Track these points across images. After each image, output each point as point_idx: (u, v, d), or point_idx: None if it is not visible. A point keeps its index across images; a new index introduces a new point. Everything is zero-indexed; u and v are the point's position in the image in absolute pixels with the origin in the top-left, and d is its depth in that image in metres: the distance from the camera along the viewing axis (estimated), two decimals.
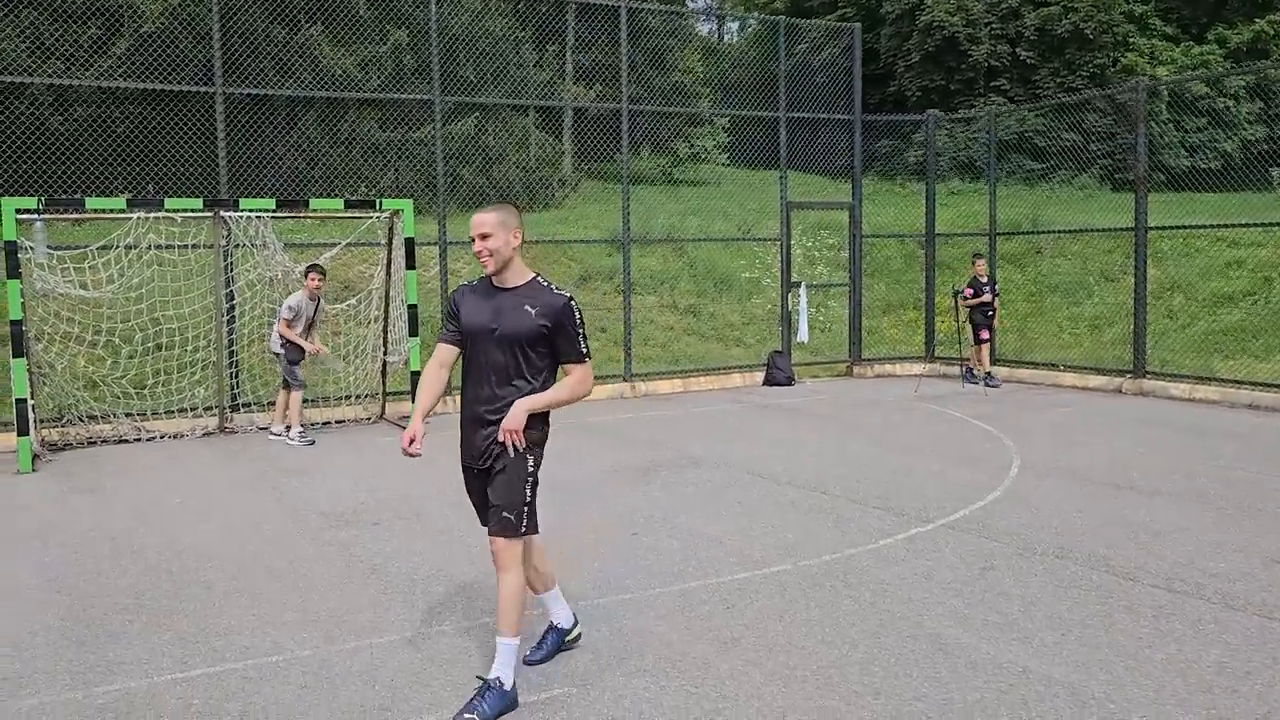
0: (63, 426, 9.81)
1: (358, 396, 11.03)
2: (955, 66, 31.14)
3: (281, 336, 9.68)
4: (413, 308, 10.00)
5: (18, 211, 8.72)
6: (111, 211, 9.21)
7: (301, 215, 10.33)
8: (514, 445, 4.07)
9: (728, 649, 4.65)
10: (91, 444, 9.78)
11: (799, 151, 15.57)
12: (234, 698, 4.19)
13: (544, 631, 4.61)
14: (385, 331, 10.88)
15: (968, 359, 13.28)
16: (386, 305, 10.82)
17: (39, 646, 4.77)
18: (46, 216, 9.17)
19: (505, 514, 4.05)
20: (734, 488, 7.66)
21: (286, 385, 9.83)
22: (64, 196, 9.20)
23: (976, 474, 8.00)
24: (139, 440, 9.90)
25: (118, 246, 9.62)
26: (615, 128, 18.21)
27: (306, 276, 9.74)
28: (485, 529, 4.18)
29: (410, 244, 10.03)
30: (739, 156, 26.89)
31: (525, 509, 4.09)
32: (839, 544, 6.21)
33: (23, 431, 8.61)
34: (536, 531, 4.23)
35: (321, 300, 9.99)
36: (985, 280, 13.02)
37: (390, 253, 10.70)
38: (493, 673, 4.02)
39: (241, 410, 10.59)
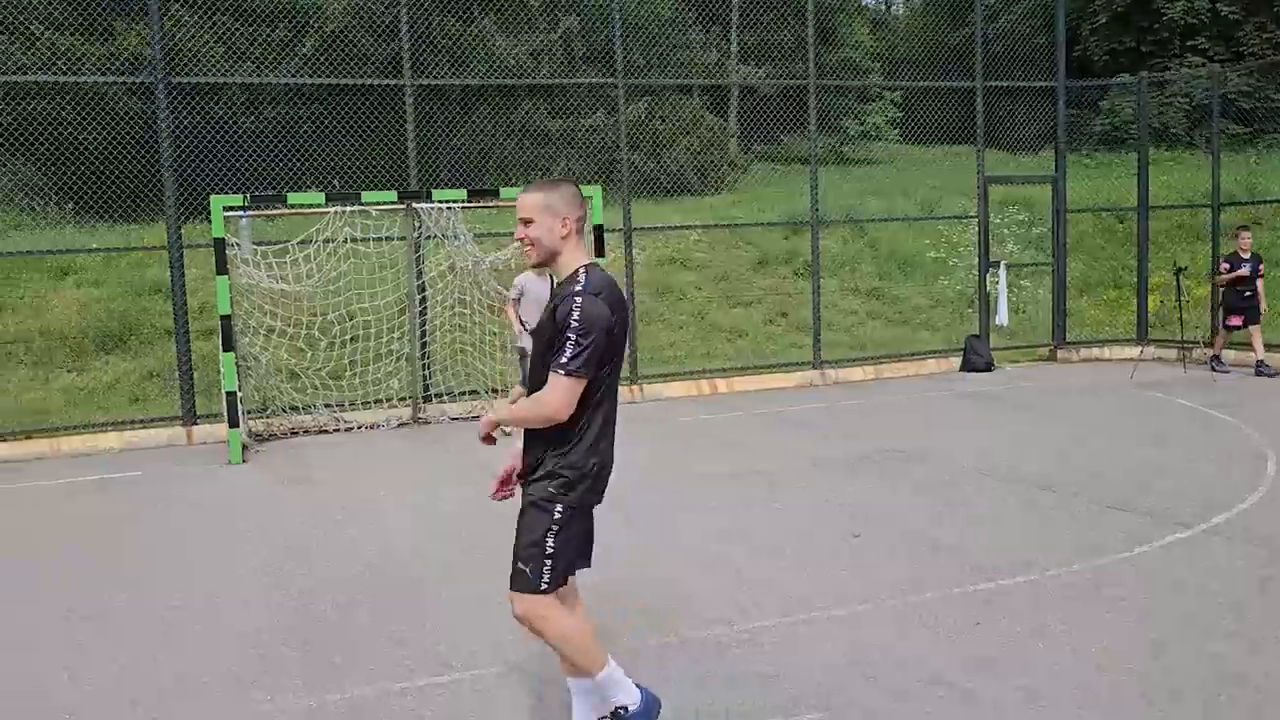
0: (267, 417, 10.06)
1: None
2: (1147, 27, 29.08)
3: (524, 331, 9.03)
4: None
5: (225, 209, 8.93)
6: (311, 206, 9.34)
7: (491, 205, 10.27)
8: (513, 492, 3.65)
9: (982, 670, 4.20)
10: (294, 434, 9.99)
11: (985, 124, 14.67)
12: (468, 713, 4.01)
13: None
14: None
15: (1207, 343, 12.17)
16: None
17: (266, 646, 4.73)
18: (252, 213, 9.38)
19: (519, 564, 3.44)
20: (953, 485, 7.13)
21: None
22: (265, 194, 9.37)
23: (1228, 472, 7.21)
24: (337, 430, 10.06)
25: (316, 241, 9.77)
26: (783, 107, 17.71)
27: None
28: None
29: (599, 231, 9.83)
30: (911, 133, 25.90)
31: (546, 563, 3.41)
32: (1086, 551, 5.63)
33: (233, 424, 8.83)
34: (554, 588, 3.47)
35: (554, 278, 9.53)
36: (1247, 256, 11.80)
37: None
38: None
39: (434, 400, 10.65)
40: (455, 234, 10.18)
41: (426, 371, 10.69)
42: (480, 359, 10.75)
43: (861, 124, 28.69)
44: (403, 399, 10.55)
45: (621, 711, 3.49)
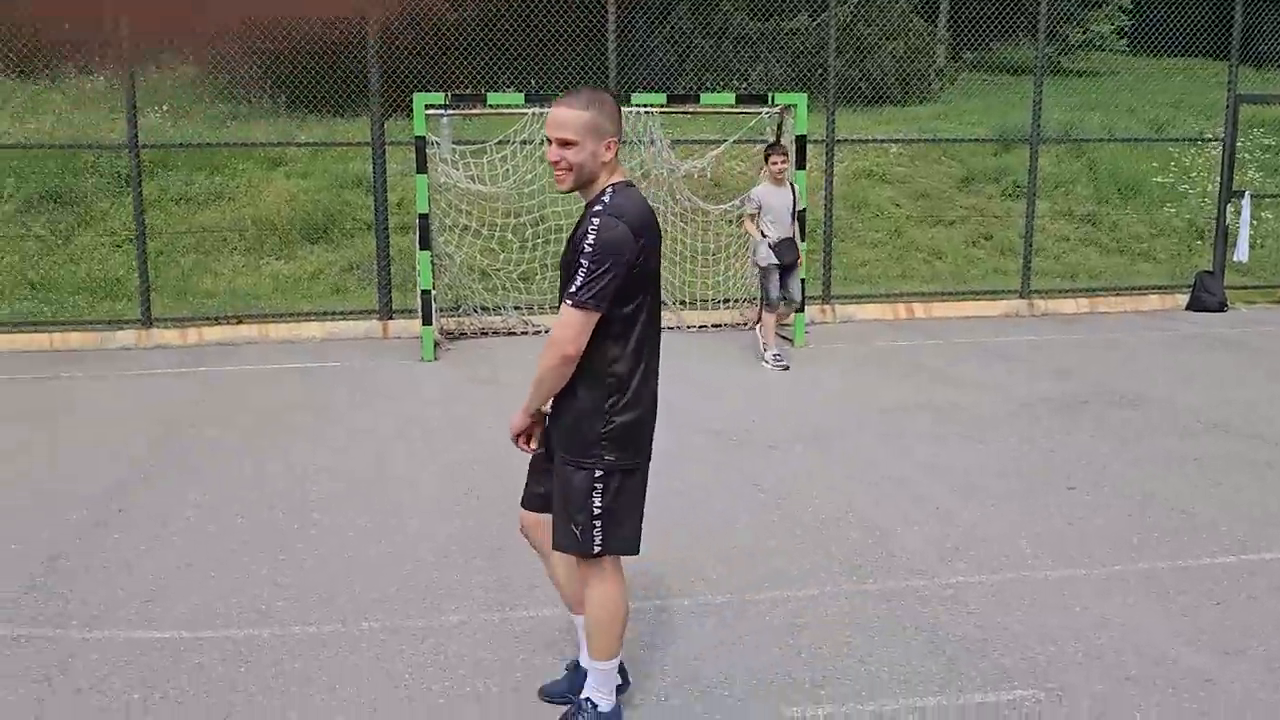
0: (459, 316, 10.17)
1: (734, 300, 10.64)
2: None
3: (761, 249, 8.58)
4: (801, 213, 9.36)
5: (426, 107, 8.90)
6: (510, 107, 9.22)
7: (690, 110, 9.90)
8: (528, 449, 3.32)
9: (1225, 655, 3.74)
10: (483, 334, 10.08)
11: (1226, 36, 13.10)
12: (657, 641, 3.85)
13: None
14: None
15: None
16: None
17: (454, 555, 4.72)
18: (453, 112, 9.34)
19: (570, 525, 3.09)
20: (1182, 437, 6.49)
21: (766, 302, 8.78)
22: (466, 93, 9.30)
23: None
24: (525, 333, 10.09)
25: (513, 142, 9.67)
26: (1000, 11, 16.40)
27: (767, 160, 8.64)
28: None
29: (802, 142, 9.34)
30: (1141, 43, 23.71)
31: (595, 524, 3.06)
32: None
33: (426, 321, 8.94)
34: (622, 552, 3.16)
35: (796, 187, 8.71)
36: None
37: None
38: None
39: None
40: (651, 139, 9.88)
41: None
42: (668, 268, 10.52)
43: (1085, 32, 26.50)
44: None
45: (585, 703, 3.22)
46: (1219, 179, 12.25)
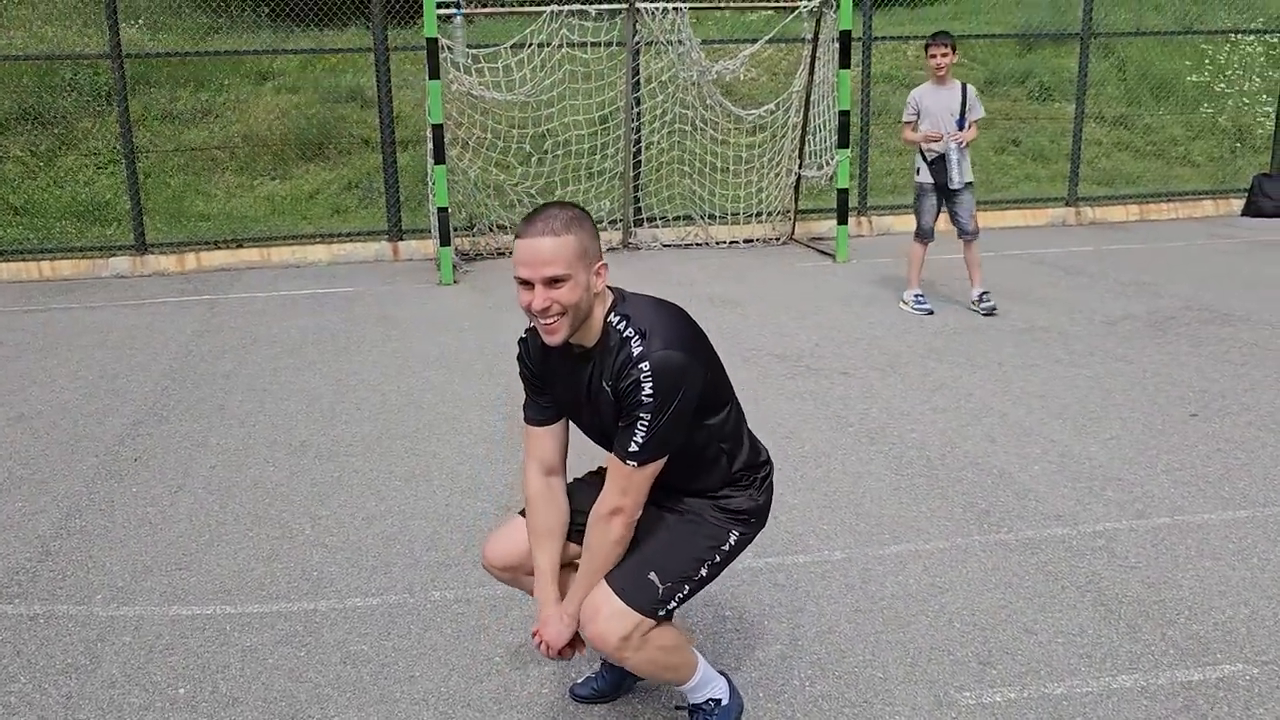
0: (474, 235, 9.50)
1: (768, 214, 9.97)
2: None
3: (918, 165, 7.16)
4: (844, 114, 8.66)
5: (437, 5, 8.10)
6: (526, 4, 8.42)
7: (723, 6, 9.11)
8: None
9: None
10: (500, 255, 9.43)
11: None
12: (777, 610, 3.31)
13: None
14: (803, 142, 9.64)
15: None
16: (806, 111, 9.53)
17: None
18: (466, 11, 8.54)
19: (648, 573, 2.44)
20: None
21: (917, 231, 7.33)
22: None
23: None
24: None
25: (531, 44, 8.89)
26: None
27: (927, 53, 7.00)
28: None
29: (846, 39, 8.58)
30: None
31: (685, 588, 2.48)
32: None
33: (445, 241, 8.27)
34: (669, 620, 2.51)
35: (970, 89, 6.98)
36: None
37: (815, 50, 9.32)
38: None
39: (645, 225, 9.86)
40: (680, 39, 9.11)
41: (638, 193, 9.85)
42: (699, 182, 9.84)
43: None
44: (613, 221, 9.79)
45: (711, 704, 2.67)
46: (1262, 76, 11.54)
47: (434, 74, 8.00)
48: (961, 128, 6.84)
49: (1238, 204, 11.14)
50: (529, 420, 2.60)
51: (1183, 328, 6.57)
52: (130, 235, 9.28)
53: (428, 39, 8.05)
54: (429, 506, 4.16)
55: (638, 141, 9.63)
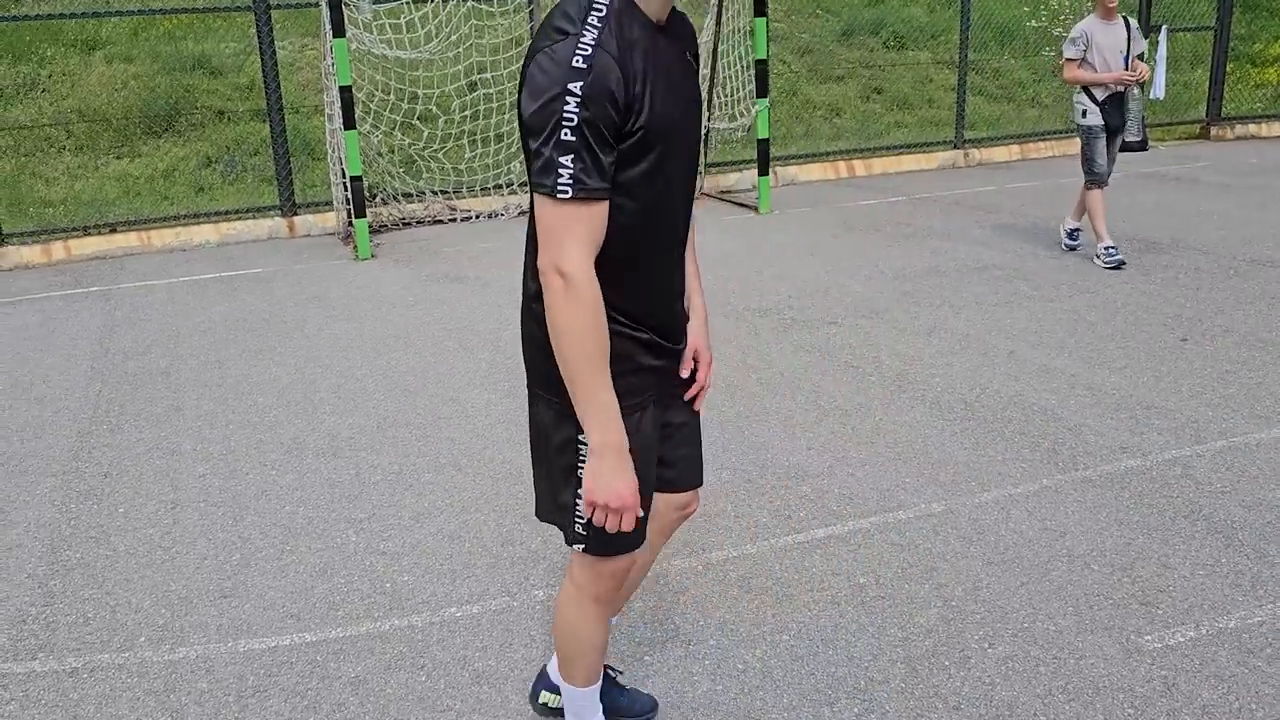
0: (376, 205, 8.89)
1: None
2: None
3: (1085, 105, 6.53)
4: (761, 63, 8.50)
5: None
6: None
7: None
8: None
9: None
10: (406, 225, 8.87)
11: None
12: (910, 571, 3.14)
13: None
14: (711, 93, 9.44)
15: None
16: (714, 62, 9.33)
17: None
18: None
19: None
20: (1238, 276, 6.19)
21: (1090, 177, 6.64)
22: None
23: None
24: (453, 220, 8.94)
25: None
26: None
27: None
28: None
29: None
30: None
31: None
32: None
33: (360, 213, 7.68)
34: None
35: (1132, 22, 6.45)
36: None
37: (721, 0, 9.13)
38: None
39: None
40: None
41: None
42: None
43: None
44: (523, 184, 9.35)
45: None
46: (1136, 14, 12.09)
47: (339, 31, 7.35)
48: (1127, 66, 6.37)
49: None
50: (594, 191, 1.69)
51: (1126, 258, 6.76)
52: None
53: None
54: (476, 496, 3.79)
55: None
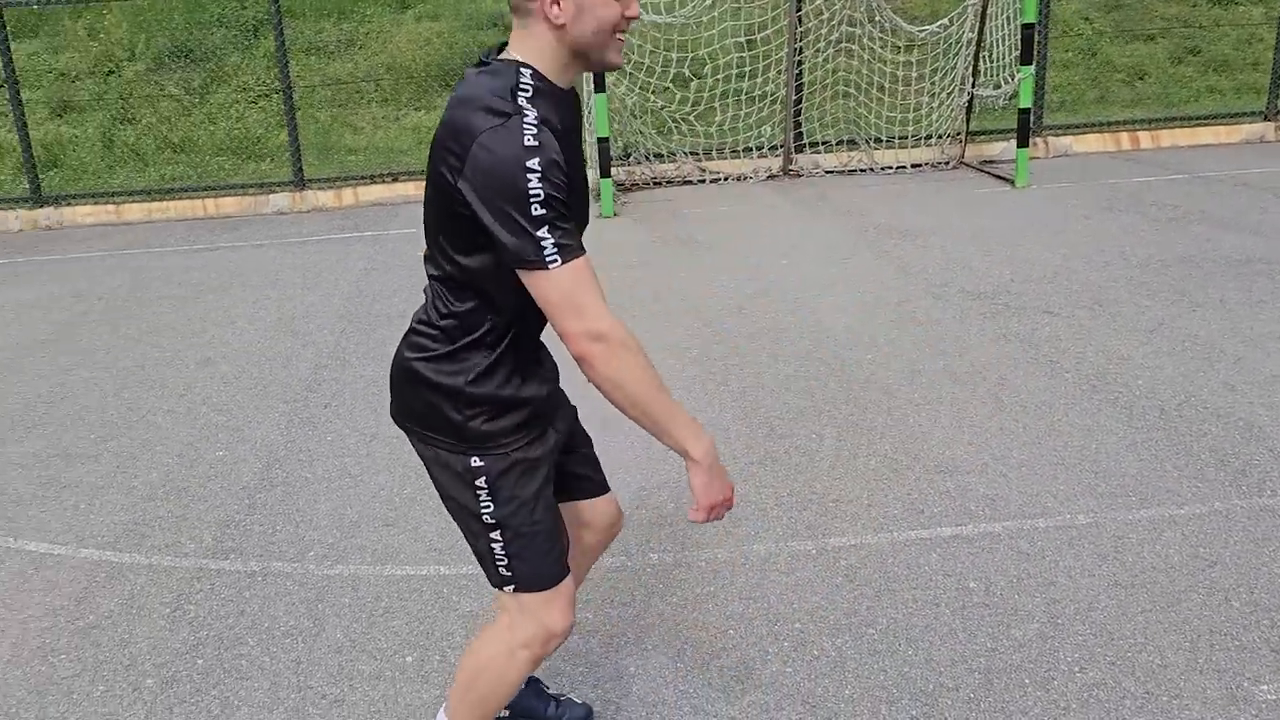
0: (629, 165, 9.25)
1: (937, 136, 9.43)
2: None
3: None
4: (1028, 28, 8.03)
5: None
6: None
7: None
8: None
9: None
10: (656, 184, 9.17)
11: None
12: (1058, 590, 3.04)
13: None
14: (977, 59, 9.03)
15: None
16: (982, 26, 8.90)
17: (738, 460, 3.94)
18: None
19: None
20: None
21: None
22: None
23: None
24: (702, 181, 9.13)
25: None
26: None
27: None
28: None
29: None
30: None
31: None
32: None
33: (605, 173, 8.06)
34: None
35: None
36: None
37: None
38: None
39: (807, 150, 9.44)
40: None
41: (799, 117, 9.42)
42: (863, 104, 9.35)
43: None
44: (773, 148, 9.40)
45: None
46: None
47: None
48: None
49: None
50: (576, 250, 1.75)
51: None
52: (289, 171, 9.34)
53: None
54: (625, 459, 4.00)
55: (799, 63, 9.17)
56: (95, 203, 9.08)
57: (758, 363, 4.91)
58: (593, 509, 2.31)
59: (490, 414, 1.93)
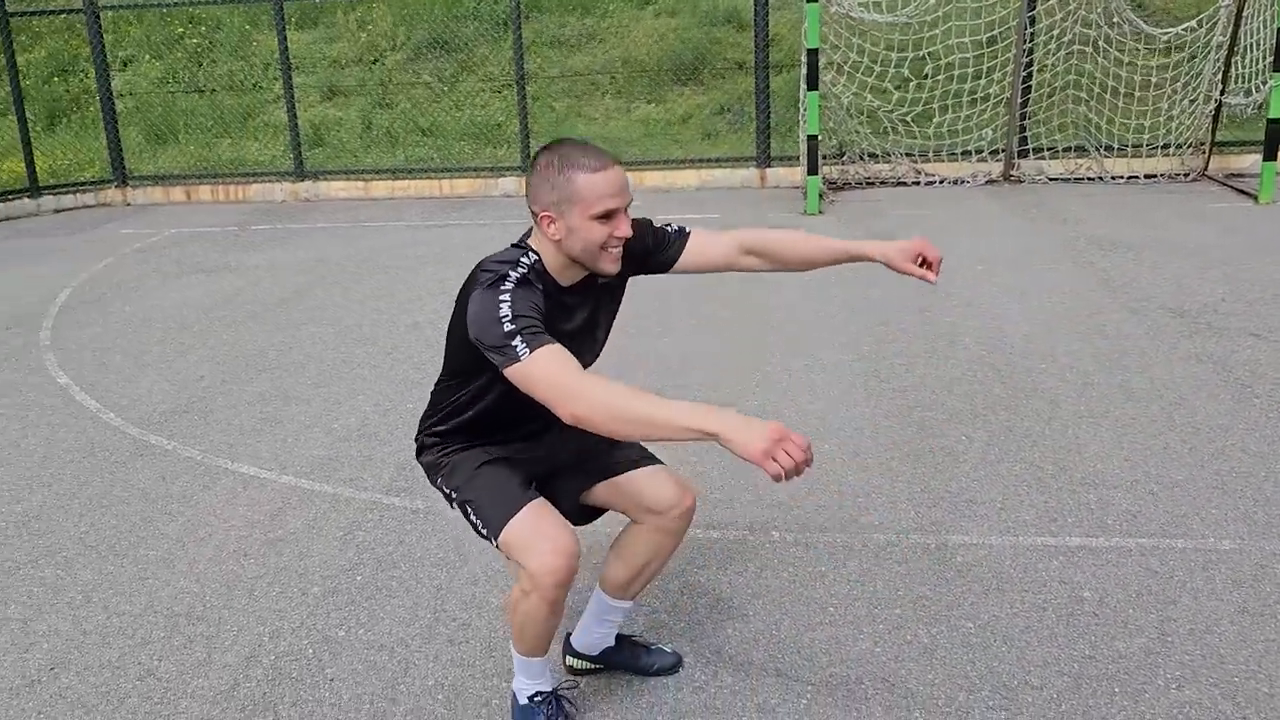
0: (843, 164, 9.27)
1: (1177, 146, 8.90)
2: None
3: None
4: None
5: None
6: None
7: None
8: None
9: None
10: (869, 184, 9.14)
11: None
12: (1121, 590, 2.98)
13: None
14: (1228, 64, 8.46)
15: None
16: (1235, 28, 8.33)
17: (872, 454, 4.01)
18: None
19: None
20: None
21: None
22: None
23: None
24: (917, 183, 9.03)
25: None
26: None
27: None
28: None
29: None
30: None
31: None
32: None
33: (813, 170, 8.14)
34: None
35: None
36: None
37: None
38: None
39: (1030, 156, 9.15)
40: None
41: (1025, 121, 9.14)
42: (1096, 109, 8.96)
43: None
44: (994, 152, 9.16)
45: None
46: None
47: None
48: None
49: None
50: (544, 338, 2.07)
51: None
52: (519, 157, 9.95)
53: None
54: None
55: (1029, 64, 8.90)
56: (348, 179, 10.02)
57: (925, 363, 4.92)
58: (645, 485, 2.51)
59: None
